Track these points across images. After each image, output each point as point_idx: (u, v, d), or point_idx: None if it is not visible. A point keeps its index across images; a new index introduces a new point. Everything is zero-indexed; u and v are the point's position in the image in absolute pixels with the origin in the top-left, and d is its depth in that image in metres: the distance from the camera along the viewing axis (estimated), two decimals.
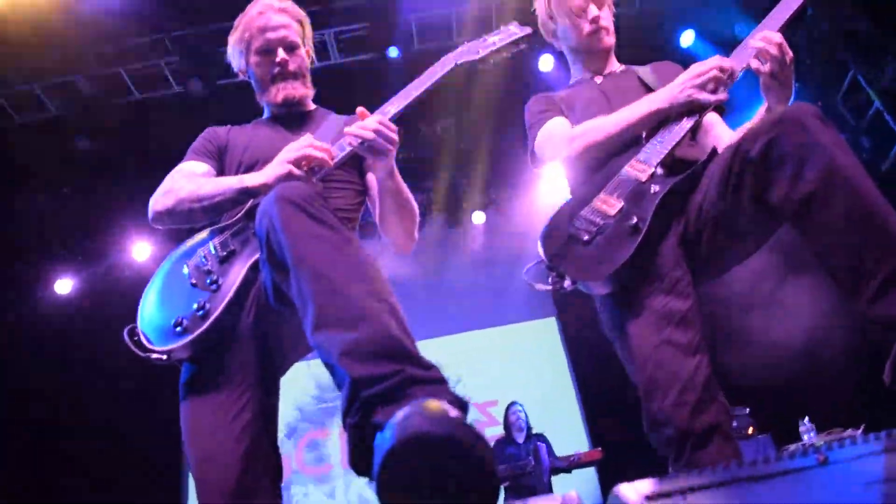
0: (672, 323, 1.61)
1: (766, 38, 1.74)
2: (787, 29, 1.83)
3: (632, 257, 1.64)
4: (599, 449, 5.16)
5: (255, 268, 1.68)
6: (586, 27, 2.14)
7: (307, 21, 2.16)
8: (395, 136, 1.74)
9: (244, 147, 2.04)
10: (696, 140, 1.87)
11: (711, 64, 1.79)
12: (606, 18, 2.16)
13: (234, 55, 2.14)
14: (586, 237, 1.73)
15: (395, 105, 1.89)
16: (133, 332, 1.70)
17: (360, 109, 1.81)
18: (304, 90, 2.12)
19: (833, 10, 5.94)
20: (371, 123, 1.74)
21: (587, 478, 6.75)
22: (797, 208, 1.46)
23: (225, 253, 1.75)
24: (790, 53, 1.74)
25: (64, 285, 6.97)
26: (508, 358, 7.73)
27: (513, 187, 7.23)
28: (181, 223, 1.91)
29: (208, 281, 1.70)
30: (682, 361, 1.57)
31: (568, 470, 4.97)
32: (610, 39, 2.19)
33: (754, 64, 1.78)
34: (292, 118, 2.13)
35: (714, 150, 1.81)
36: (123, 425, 6.42)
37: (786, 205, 1.48)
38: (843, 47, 5.97)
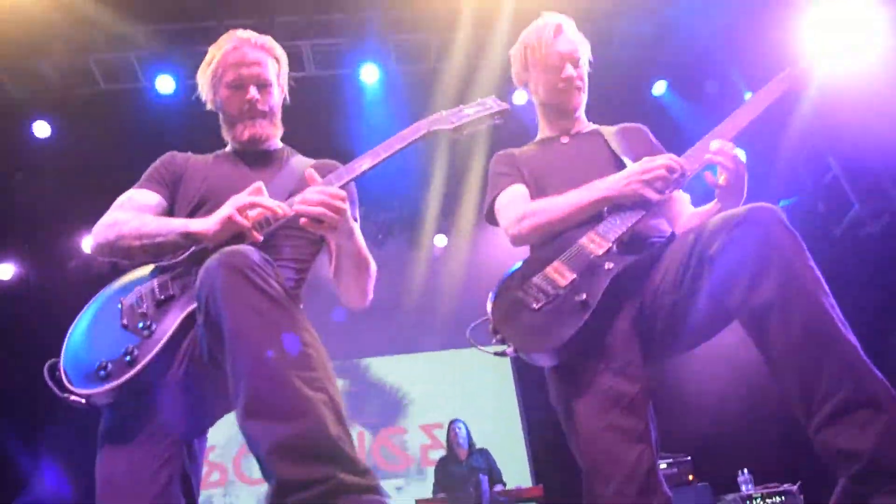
0: (619, 406, 1.59)
1: (720, 150, 1.75)
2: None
3: (578, 334, 1.61)
4: (541, 486, 5.12)
5: (192, 317, 1.57)
6: (559, 84, 2.13)
7: (284, 59, 2.09)
8: (344, 206, 1.64)
9: (200, 181, 1.95)
10: (655, 212, 1.86)
11: (660, 163, 1.78)
12: (580, 78, 2.15)
13: (204, 85, 2.05)
14: (535, 305, 1.70)
15: (359, 165, 1.83)
16: (54, 368, 1.58)
17: (308, 172, 1.72)
18: (271, 129, 2.05)
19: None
20: (314, 197, 1.63)
21: None
22: (752, 316, 1.43)
23: (163, 297, 1.65)
24: (743, 160, 1.76)
25: (5, 270, 6.72)
26: (459, 382, 7.70)
27: (476, 213, 7.25)
28: (122, 258, 1.81)
29: (141, 325, 1.59)
30: (625, 449, 1.55)
31: None
32: (580, 99, 2.18)
33: (708, 178, 1.81)
34: (256, 157, 2.05)
35: (672, 235, 1.82)
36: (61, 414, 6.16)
37: (741, 310, 1.46)
38: None
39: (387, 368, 7.93)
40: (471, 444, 5.89)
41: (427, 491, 5.82)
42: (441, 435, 6.70)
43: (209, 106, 2.08)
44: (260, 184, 1.72)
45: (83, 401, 1.54)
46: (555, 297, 1.69)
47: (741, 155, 1.76)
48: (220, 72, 1.99)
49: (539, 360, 1.72)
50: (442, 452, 6.25)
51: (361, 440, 7.57)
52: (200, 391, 1.59)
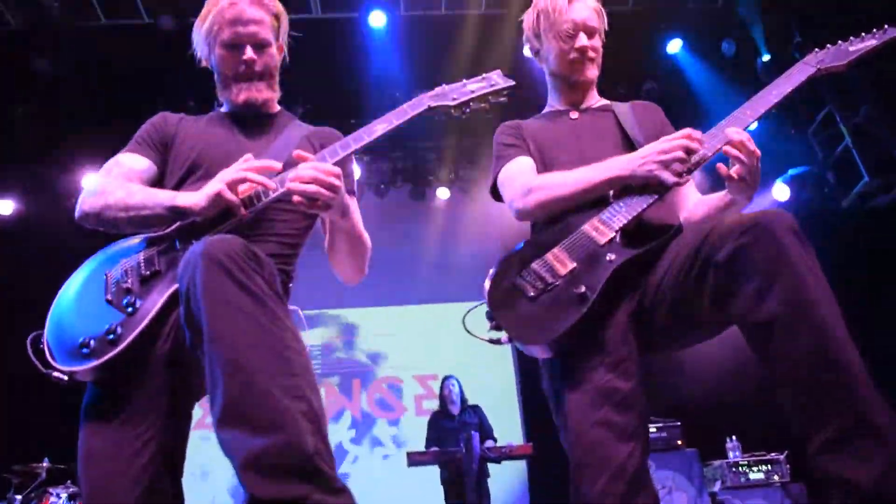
0: (611, 402, 1.54)
1: (736, 142, 1.67)
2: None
3: (574, 327, 1.56)
4: (531, 444, 5.17)
5: (177, 295, 1.50)
6: (571, 54, 2.02)
7: (284, 16, 1.97)
8: (339, 183, 1.57)
9: (192, 145, 1.87)
10: (664, 199, 1.76)
11: (679, 142, 1.68)
12: (594, 49, 2.04)
13: (199, 42, 1.94)
14: (532, 293, 1.64)
15: (356, 142, 1.76)
16: (37, 341, 1.54)
17: (296, 153, 1.64)
18: (268, 93, 1.95)
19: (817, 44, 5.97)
20: (307, 173, 1.56)
21: (516, 471, 6.83)
22: (757, 328, 1.38)
23: (148, 272, 1.59)
24: (758, 153, 1.68)
25: (4, 206, 6.68)
26: (455, 335, 7.72)
27: (481, 169, 7.17)
28: (107, 229, 1.73)
29: (125, 301, 1.54)
30: (615, 446, 1.51)
31: (497, 461, 5.00)
32: (593, 72, 2.06)
33: (721, 169, 1.72)
34: (252, 120, 1.95)
35: (679, 228, 1.75)
36: None
37: (745, 320, 1.40)
38: (821, 81, 6.02)
39: (384, 319, 7.96)
40: (463, 399, 5.96)
41: (420, 440, 5.90)
42: (436, 386, 6.77)
43: (203, 63, 1.98)
44: (250, 156, 1.65)
45: (65, 378, 1.50)
46: (553, 287, 1.63)
47: (756, 148, 1.67)
48: (215, 29, 1.88)
49: (534, 352, 1.67)
50: (436, 403, 6.31)
51: (357, 388, 7.65)
52: (185, 369, 1.55)
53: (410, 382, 7.72)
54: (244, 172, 1.60)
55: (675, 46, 6.27)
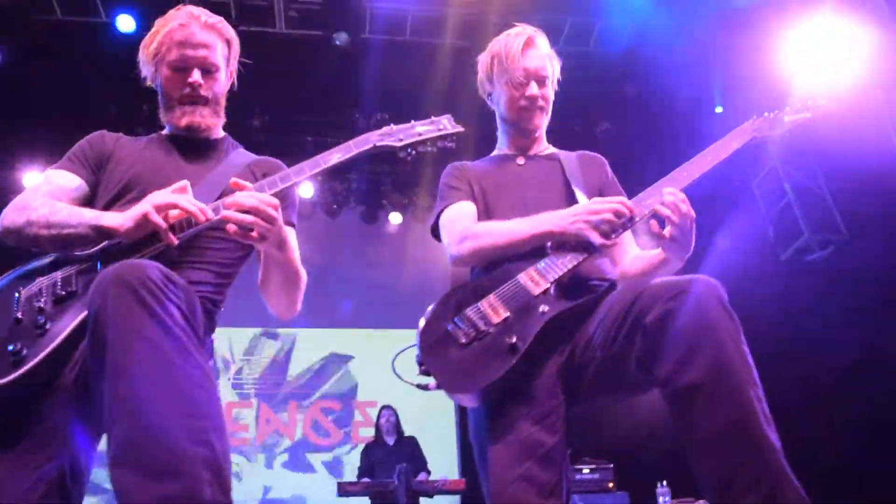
0: (534, 457, 1.53)
1: (670, 202, 1.68)
2: None
3: (504, 377, 1.54)
4: (464, 479, 5.12)
5: None
6: (521, 101, 2.02)
7: (236, 41, 1.94)
8: (276, 215, 1.52)
9: (128, 165, 1.81)
10: (597, 255, 1.76)
11: (609, 206, 1.70)
12: (545, 98, 2.05)
13: (145, 60, 1.88)
14: (463, 340, 1.62)
15: (297, 175, 1.72)
16: None
17: (233, 181, 1.59)
18: (212, 119, 1.90)
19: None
20: (246, 201, 1.50)
21: None
22: (676, 394, 1.39)
23: (64, 292, 1.52)
24: (692, 215, 1.69)
25: None
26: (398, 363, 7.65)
27: (434, 197, 7.19)
28: (28, 246, 1.65)
29: (36, 321, 1.46)
30: (535, 502, 1.50)
31: (430, 495, 4.93)
32: (542, 120, 2.08)
33: (653, 227, 1.73)
34: (192, 145, 1.89)
35: (613, 283, 1.77)
36: None
37: (667, 385, 1.41)
38: None
39: (325, 341, 7.85)
40: (399, 431, 5.91)
41: (353, 470, 5.81)
42: (373, 413, 6.68)
43: (148, 82, 1.92)
44: (185, 183, 1.60)
45: None
46: (485, 335, 1.62)
47: (690, 210, 1.69)
48: (163, 49, 1.83)
49: (461, 400, 1.66)
50: (372, 431, 6.22)
51: (293, 411, 7.49)
52: (91, 401, 1.44)
53: (349, 408, 7.60)
54: (176, 199, 1.54)
55: (630, 91, 6.42)
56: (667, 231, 1.70)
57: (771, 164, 6.50)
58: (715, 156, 1.84)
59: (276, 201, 1.54)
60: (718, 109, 6.34)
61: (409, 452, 5.69)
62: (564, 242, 1.74)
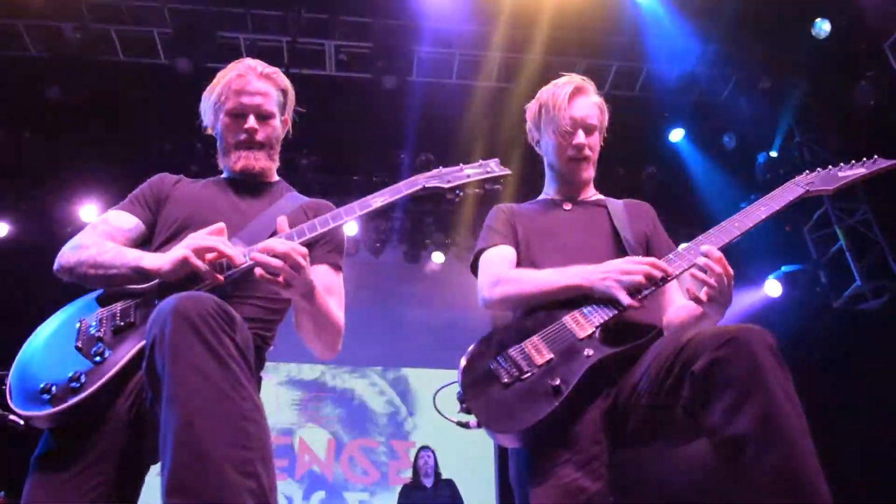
0: (576, 502, 1.50)
1: (707, 264, 1.65)
2: None
3: (545, 420, 1.53)
4: None
5: None
6: (569, 151, 2.04)
7: (291, 91, 2.03)
8: (303, 264, 1.54)
9: (185, 205, 1.89)
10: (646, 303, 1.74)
11: (642, 269, 1.68)
12: (592, 147, 2.07)
13: (206, 110, 1.99)
14: (506, 380, 1.61)
15: (348, 214, 1.77)
16: (1, 382, 1.51)
17: (279, 220, 1.64)
18: (266, 162, 1.97)
19: (819, 138, 6.12)
20: (278, 247, 1.53)
21: None
22: (725, 444, 1.35)
23: (123, 323, 1.58)
24: (730, 272, 1.66)
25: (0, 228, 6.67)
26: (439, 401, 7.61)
27: (477, 237, 7.19)
28: (81, 283, 1.73)
29: (94, 350, 1.52)
30: None
31: None
32: (589, 172, 2.09)
33: (690, 291, 1.70)
34: (247, 187, 1.97)
35: (659, 331, 1.74)
36: None
37: (715, 435, 1.37)
38: None
39: (362, 379, 7.84)
40: (437, 473, 5.82)
41: None
42: (412, 454, 6.62)
43: (209, 131, 2.02)
44: (222, 225, 1.65)
45: (21, 422, 1.46)
46: (528, 376, 1.61)
47: (727, 268, 1.66)
48: (222, 98, 1.93)
49: (502, 440, 1.64)
50: (409, 471, 6.16)
51: (331, 447, 7.48)
52: (143, 430, 1.50)
53: (386, 448, 7.56)
54: (213, 242, 1.58)
55: (677, 135, 6.40)
56: (703, 292, 1.67)
57: (822, 209, 6.36)
58: (768, 209, 1.82)
59: (304, 250, 1.57)
60: (773, 154, 6.25)
61: (448, 496, 5.60)
62: (597, 298, 1.73)
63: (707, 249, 1.67)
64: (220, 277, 1.59)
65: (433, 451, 5.93)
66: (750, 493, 1.30)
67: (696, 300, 1.68)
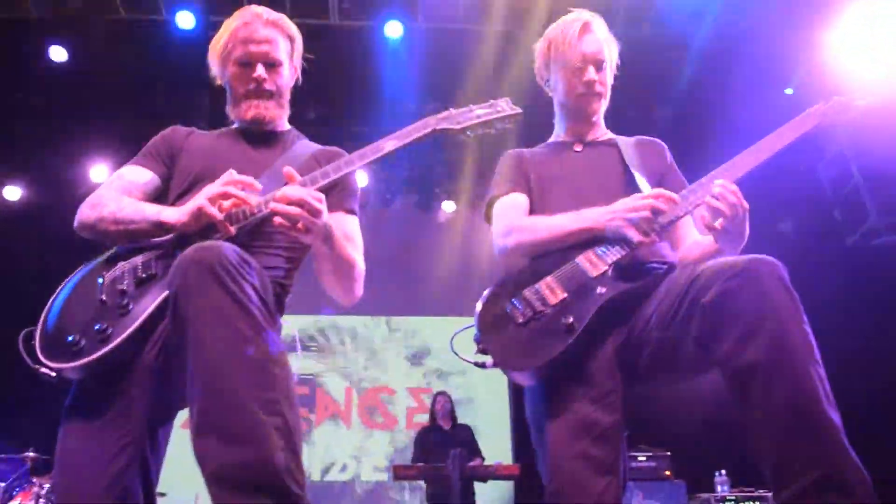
0: (591, 435, 1.55)
1: (721, 195, 1.63)
2: None
3: (560, 357, 1.57)
4: (518, 465, 5.13)
5: None
6: (579, 88, 2.02)
7: (298, 38, 2.02)
8: (321, 208, 1.55)
9: (198, 157, 1.90)
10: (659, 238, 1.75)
11: (647, 202, 1.68)
12: (603, 83, 2.04)
13: (214, 60, 1.98)
14: (521, 320, 1.65)
15: (360, 159, 1.77)
16: (29, 337, 1.55)
17: (286, 170, 1.64)
18: (276, 111, 1.97)
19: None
20: (294, 194, 1.54)
21: (503, 491, 6.79)
22: (735, 374, 1.38)
23: (145, 275, 1.61)
24: (745, 205, 1.64)
25: (12, 192, 6.71)
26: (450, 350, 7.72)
27: (487, 184, 7.17)
28: (102, 240, 1.75)
29: (118, 302, 1.56)
30: (592, 480, 1.52)
31: (484, 480, 4.96)
32: (599, 105, 2.06)
33: (703, 221, 1.67)
34: (259, 137, 1.97)
35: (672, 266, 1.75)
36: None
37: (726, 365, 1.41)
38: None
39: (381, 328, 7.95)
40: (454, 417, 5.93)
41: (408, 454, 5.88)
42: (428, 400, 6.75)
43: (218, 81, 2.02)
44: (232, 171, 1.67)
45: (53, 374, 1.51)
46: (542, 315, 1.65)
47: (741, 200, 1.64)
48: (229, 47, 1.92)
49: (518, 378, 1.69)
50: (426, 416, 6.29)
51: (349, 396, 7.63)
52: (170, 377, 1.55)
53: (403, 394, 7.70)
54: (226, 187, 1.61)
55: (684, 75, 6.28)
56: (718, 223, 1.65)
57: (837, 149, 6.27)
58: (780, 140, 1.79)
59: (321, 195, 1.58)
60: (789, 91, 6.13)
61: (464, 439, 5.73)
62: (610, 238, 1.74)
63: (720, 182, 1.66)
64: (232, 230, 1.61)
65: (449, 396, 6.04)
66: (761, 422, 1.33)
67: (710, 229, 1.67)
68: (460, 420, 6.08)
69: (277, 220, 1.54)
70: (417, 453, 5.74)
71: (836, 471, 1.25)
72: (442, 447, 5.49)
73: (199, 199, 1.61)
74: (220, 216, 1.60)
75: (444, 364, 7.64)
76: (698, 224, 1.73)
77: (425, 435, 5.92)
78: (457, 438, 5.71)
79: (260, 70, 1.90)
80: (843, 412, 1.33)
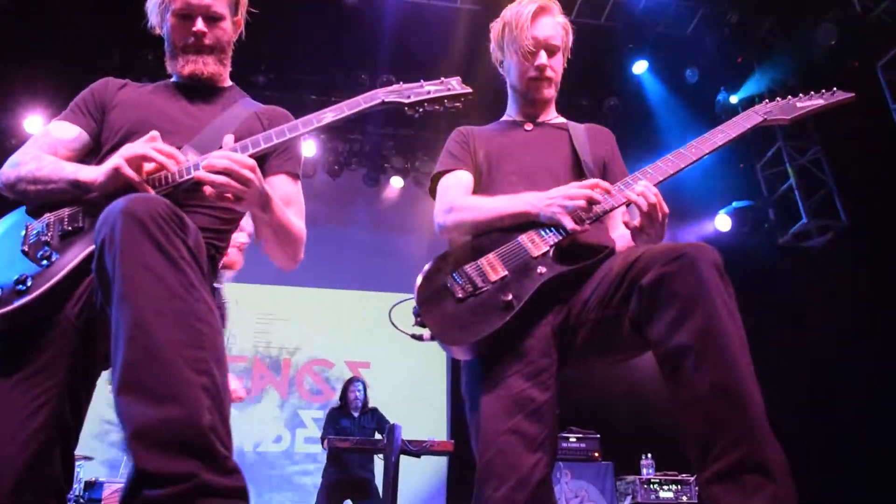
0: (524, 412, 1.56)
1: (643, 193, 1.69)
2: None
3: (497, 333, 1.59)
4: (452, 441, 5.18)
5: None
6: (530, 71, 2.03)
7: None
8: (251, 176, 1.49)
9: (132, 110, 1.80)
10: (602, 220, 1.81)
11: (584, 192, 1.72)
12: (554, 68, 2.05)
13: (152, 9, 1.87)
14: (460, 295, 1.67)
15: (305, 126, 1.71)
16: None
17: (225, 138, 1.57)
18: (216, 67, 1.88)
19: (776, 76, 6.17)
20: (220, 163, 1.47)
21: (437, 466, 6.87)
22: (667, 355, 1.41)
23: (71, 227, 1.54)
24: (665, 211, 1.69)
25: None
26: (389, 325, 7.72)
27: (436, 163, 7.17)
28: (22, 200, 1.67)
29: (41, 253, 1.49)
30: (523, 455, 1.53)
31: (417, 455, 4.99)
32: (550, 92, 2.08)
33: (623, 217, 1.75)
34: (198, 92, 1.88)
35: (612, 250, 1.77)
36: None
37: (658, 346, 1.44)
38: None
39: (321, 300, 7.89)
40: (364, 403, 5.93)
41: None
42: (367, 374, 6.76)
43: (156, 31, 1.91)
44: (156, 133, 1.59)
45: None
46: (481, 291, 1.66)
47: (661, 204, 1.69)
48: None
49: (454, 352, 1.69)
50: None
51: (286, 368, 7.57)
52: (93, 336, 1.49)
53: (341, 367, 7.68)
54: (146, 149, 1.53)
55: (640, 67, 6.38)
56: (636, 221, 1.71)
57: (776, 146, 6.48)
58: (724, 136, 1.84)
59: (252, 162, 1.52)
60: (734, 99, 6.29)
61: (372, 426, 5.77)
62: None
63: (644, 184, 1.71)
64: (151, 190, 1.53)
65: (363, 383, 6.01)
66: (689, 402, 1.37)
67: (626, 225, 1.74)
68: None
69: (207, 189, 1.49)
70: (330, 432, 5.72)
71: (759, 452, 1.29)
72: (350, 432, 5.55)
73: (116, 159, 1.52)
74: (137, 177, 1.52)
75: (383, 336, 7.63)
76: (624, 218, 1.78)
77: (335, 416, 5.86)
78: (365, 426, 5.75)
79: (200, 24, 1.81)
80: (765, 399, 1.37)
